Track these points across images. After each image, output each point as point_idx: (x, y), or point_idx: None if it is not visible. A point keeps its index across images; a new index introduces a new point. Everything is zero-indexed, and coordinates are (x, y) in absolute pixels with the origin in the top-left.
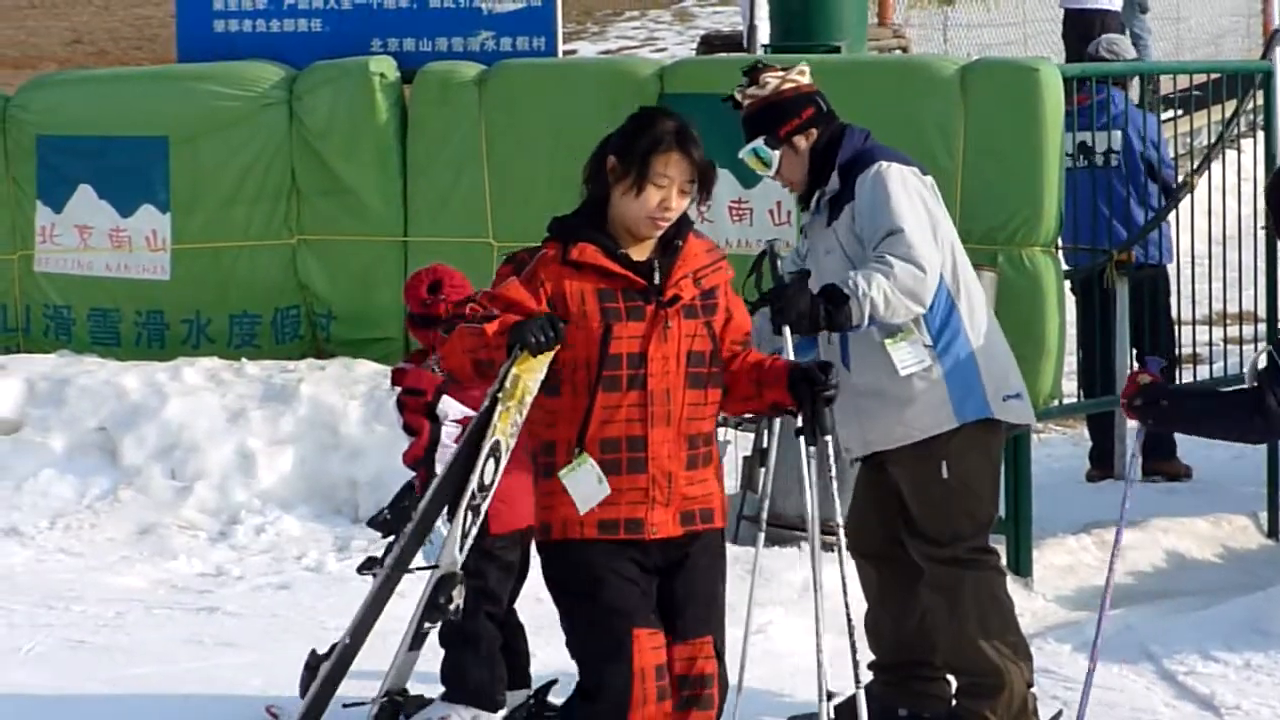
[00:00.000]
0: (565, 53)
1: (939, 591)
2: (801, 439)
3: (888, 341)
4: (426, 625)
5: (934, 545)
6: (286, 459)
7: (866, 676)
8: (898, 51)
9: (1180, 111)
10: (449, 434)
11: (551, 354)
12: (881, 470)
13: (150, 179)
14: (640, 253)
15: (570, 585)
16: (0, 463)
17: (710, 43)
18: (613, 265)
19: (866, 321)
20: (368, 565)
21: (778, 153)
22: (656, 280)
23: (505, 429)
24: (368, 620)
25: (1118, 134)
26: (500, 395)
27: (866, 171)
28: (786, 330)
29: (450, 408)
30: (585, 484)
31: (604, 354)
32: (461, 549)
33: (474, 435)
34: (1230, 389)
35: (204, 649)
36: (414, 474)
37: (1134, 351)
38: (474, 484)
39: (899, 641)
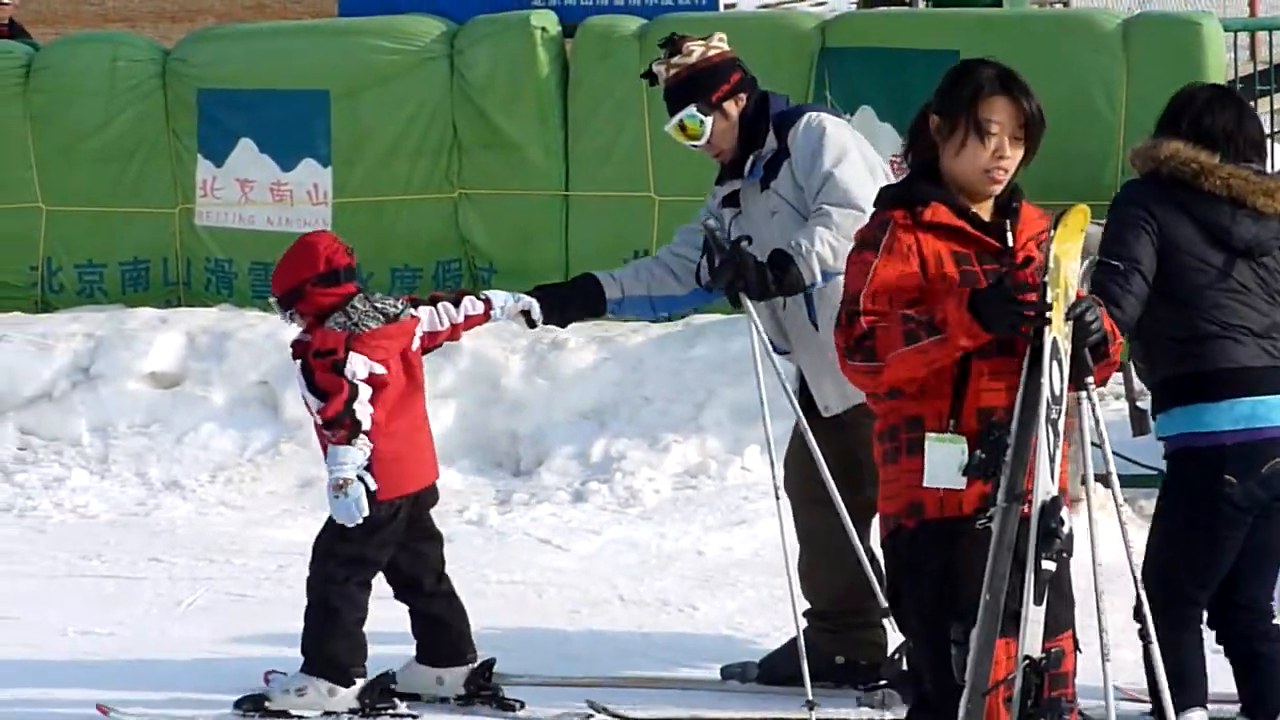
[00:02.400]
0: (726, 6)
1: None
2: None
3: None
4: (1045, 565)
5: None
6: (448, 412)
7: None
8: (1059, 5)
9: None
10: (365, 393)
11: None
12: (837, 427)
13: (311, 133)
14: (984, 214)
15: (927, 567)
16: (161, 416)
17: None
18: (967, 227)
19: (820, 277)
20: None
21: (710, 119)
22: (1009, 242)
23: (1060, 326)
24: (999, 569)
25: None
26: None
27: (798, 124)
28: (744, 299)
29: (357, 365)
30: (948, 463)
31: None
32: (1052, 473)
33: (1035, 342)
34: None
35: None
36: (330, 432)
37: None
38: (1046, 395)
39: (835, 590)
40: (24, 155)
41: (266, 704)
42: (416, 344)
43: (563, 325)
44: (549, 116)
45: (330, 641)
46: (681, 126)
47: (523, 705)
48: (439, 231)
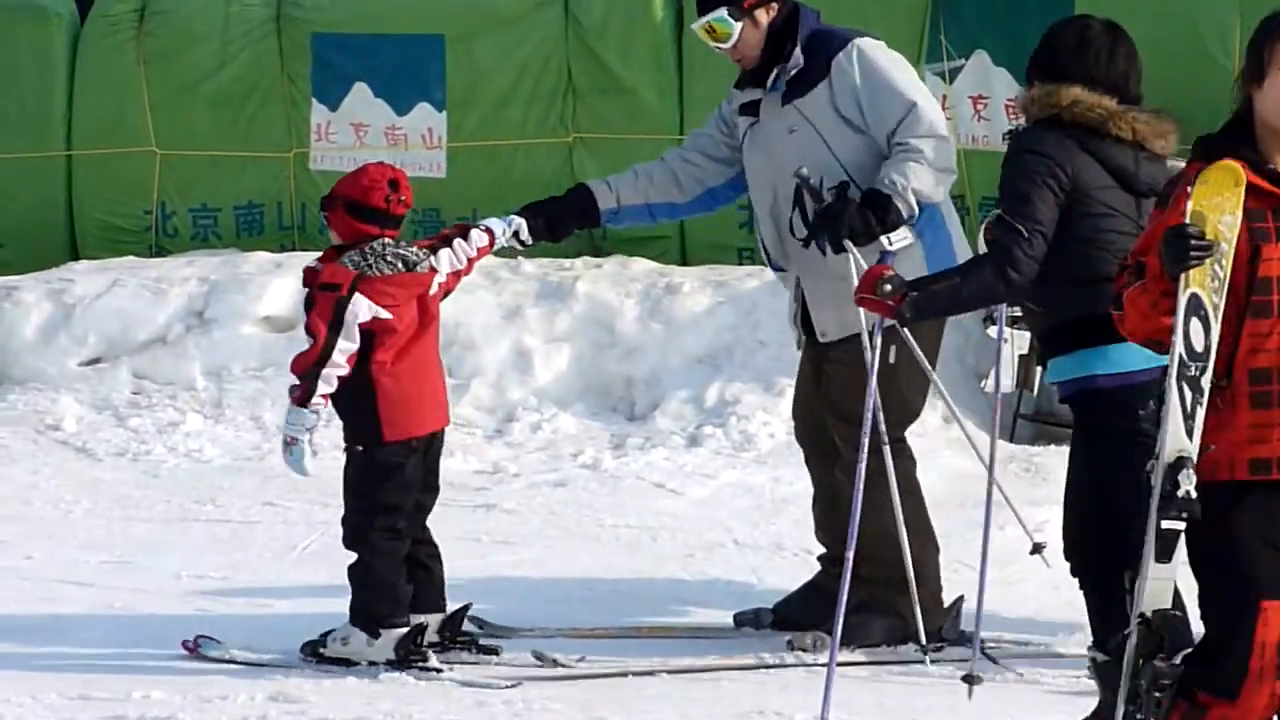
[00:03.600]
0: None
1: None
2: None
3: None
4: (1166, 525)
5: (860, 429)
6: (563, 356)
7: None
8: None
9: None
10: (344, 351)
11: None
12: (824, 360)
13: (426, 77)
14: None
15: (1210, 539)
16: (275, 360)
17: None
18: (1261, 181)
19: (916, 210)
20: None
21: (740, 24)
22: None
23: (1204, 281)
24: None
25: None
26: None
27: (848, 50)
28: (849, 244)
29: (360, 307)
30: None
31: (1252, 278)
32: (1189, 432)
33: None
34: (961, 263)
35: (480, 546)
36: (296, 383)
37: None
38: (1180, 351)
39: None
40: (138, 100)
41: (321, 650)
42: (435, 289)
43: (555, 240)
44: (663, 60)
45: (364, 593)
46: (710, 29)
47: (500, 652)
48: (553, 176)
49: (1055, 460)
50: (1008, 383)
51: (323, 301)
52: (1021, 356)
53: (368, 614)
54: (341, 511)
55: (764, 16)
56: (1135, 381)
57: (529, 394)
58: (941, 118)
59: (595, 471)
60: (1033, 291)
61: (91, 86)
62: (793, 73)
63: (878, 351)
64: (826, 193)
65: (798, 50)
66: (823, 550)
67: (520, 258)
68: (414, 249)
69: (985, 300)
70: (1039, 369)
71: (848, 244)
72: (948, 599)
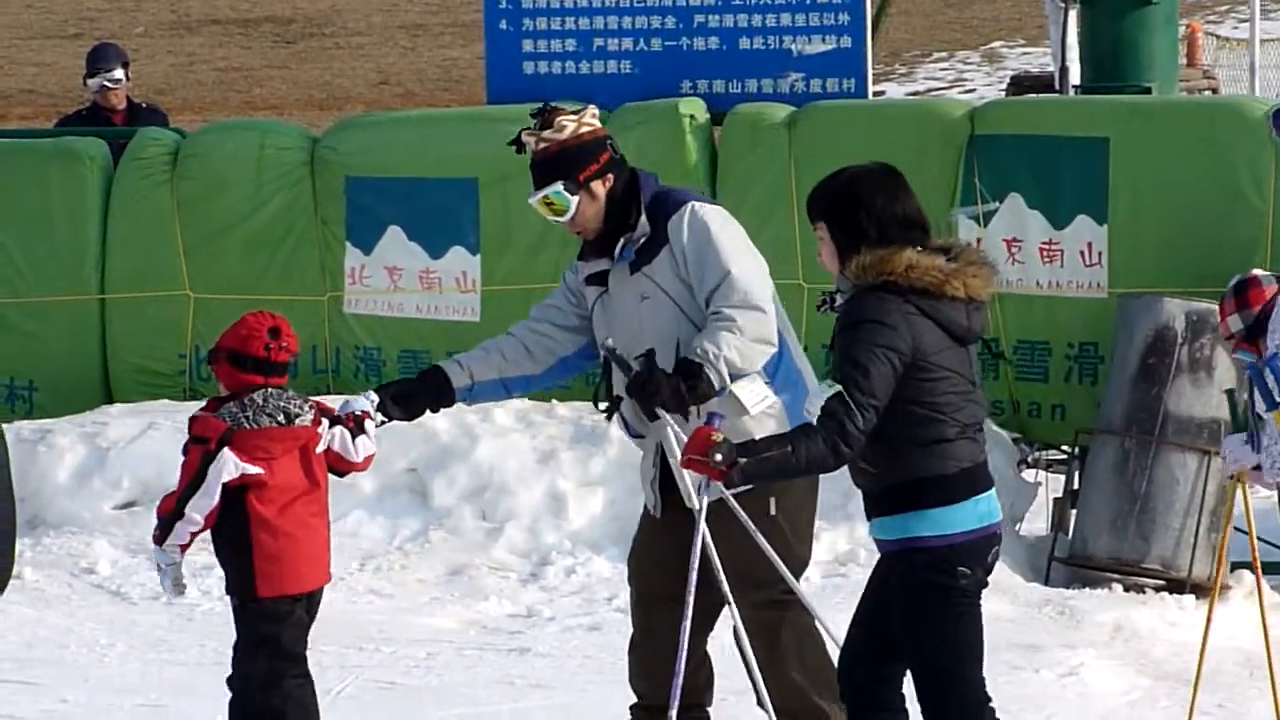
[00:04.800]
0: (874, 94)
1: (758, 636)
2: None
3: (732, 385)
4: None
5: (754, 588)
6: (597, 500)
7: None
8: (1207, 92)
9: None
10: (204, 507)
11: None
12: (692, 523)
13: (460, 221)
14: None
15: None
16: None
17: (1020, 84)
18: None
19: (728, 381)
20: None
21: (576, 198)
22: None
23: None
24: None
25: None
26: None
27: (680, 213)
28: (663, 414)
29: (227, 464)
30: None
31: None
32: None
33: None
34: (790, 430)
35: (515, 690)
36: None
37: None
38: None
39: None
40: (172, 243)
41: None
42: (323, 448)
43: (409, 419)
44: None
45: None
46: (548, 203)
47: None
48: None
49: (1090, 603)
50: (1042, 526)
51: (190, 455)
52: (1056, 500)
53: None
54: (255, 664)
55: (600, 188)
56: (955, 543)
57: (563, 538)
58: (763, 289)
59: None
60: (866, 450)
61: (125, 229)
62: (640, 241)
63: (703, 514)
64: (635, 361)
65: (643, 218)
66: (635, 700)
67: (554, 401)
68: (297, 401)
69: (815, 470)
70: (1072, 512)
71: (661, 413)
72: None
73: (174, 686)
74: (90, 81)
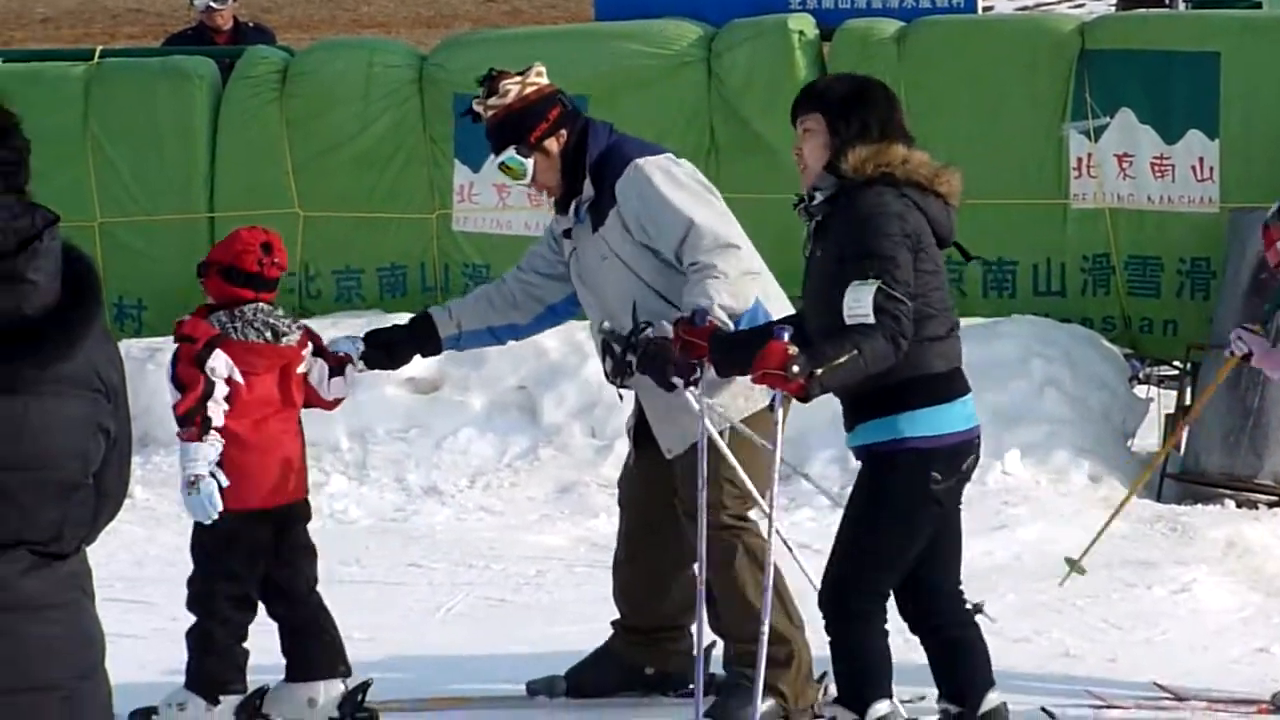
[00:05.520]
0: (983, 9)
1: (714, 563)
2: None
3: None
4: None
5: (710, 511)
6: None
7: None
8: None
9: None
10: (220, 391)
11: None
12: (670, 468)
13: None
14: None
15: None
16: (420, 422)
17: None
18: None
19: (731, 325)
20: None
21: (531, 160)
22: None
23: None
24: None
25: None
26: None
27: (626, 175)
28: (678, 382)
29: (219, 363)
30: None
31: None
32: None
33: None
34: (847, 334)
35: None
36: (181, 429)
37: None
38: None
39: (655, 607)
40: (281, 161)
41: (154, 718)
42: (302, 370)
43: (393, 368)
44: None
45: (205, 659)
46: (505, 168)
47: None
48: None
49: (1202, 520)
50: (1154, 442)
51: (183, 352)
52: (1168, 416)
53: (208, 680)
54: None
55: (554, 145)
56: (941, 445)
57: None
58: (729, 227)
59: None
60: None
61: (234, 148)
62: (587, 202)
63: (781, 426)
64: (635, 339)
65: (587, 180)
66: (617, 616)
67: None
68: (286, 321)
69: (881, 367)
70: (1185, 430)
71: (677, 382)
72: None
73: None
74: (196, 1)
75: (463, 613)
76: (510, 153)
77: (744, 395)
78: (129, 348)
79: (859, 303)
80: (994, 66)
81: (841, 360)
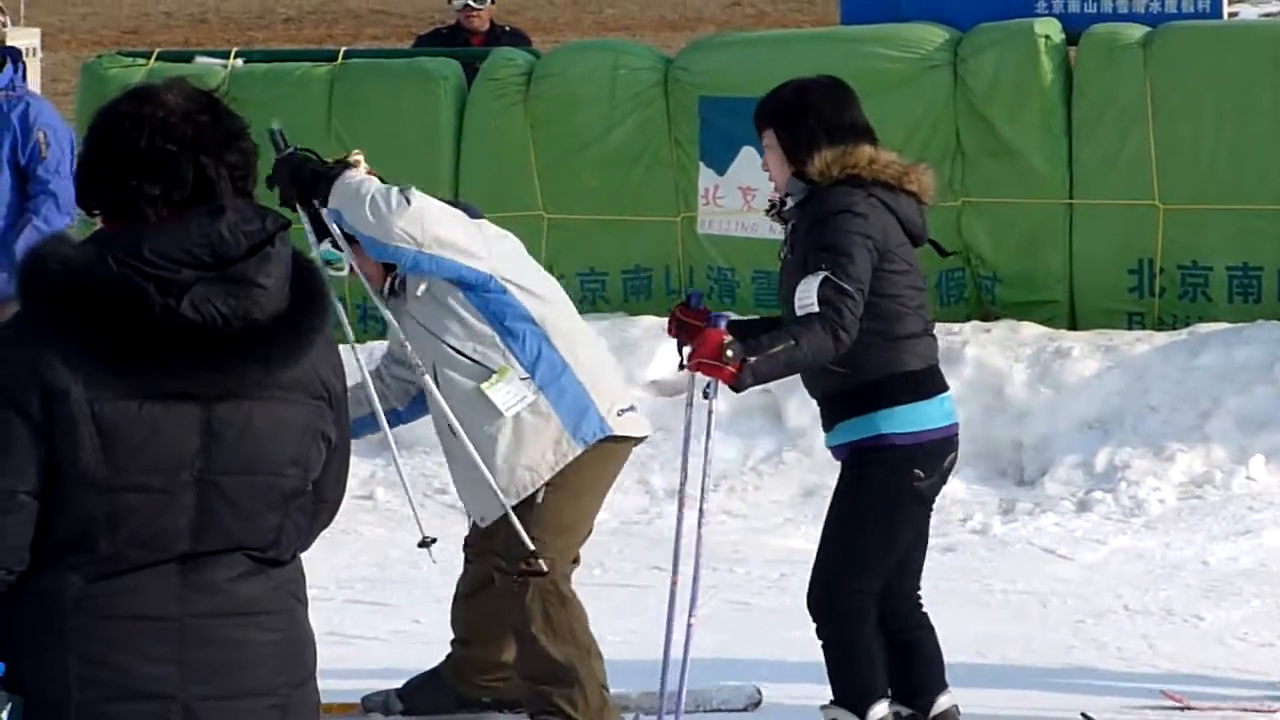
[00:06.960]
0: (1229, 14)
1: (508, 599)
2: None
3: (484, 386)
4: None
5: (501, 559)
6: None
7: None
8: None
9: None
10: None
11: None
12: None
13: None
14: None
15: None
16: (665, 424)
17: None
18: None
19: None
20: None
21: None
22: None
23: None
24: None
25: None
26: None
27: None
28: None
29: None
30: None
31: None
32: None
33: None
34: (788, 325)
35: None
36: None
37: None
38: None
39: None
40: (526, 163)
41: None
42: None
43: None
44: (1053, 124)
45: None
46: (326, 262)
47: None
48: (942, 239)
49: None
50: None
51: None
52: None
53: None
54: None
55: None
56: (921, 441)
57: None
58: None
59: (984, 536)
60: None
61: (479, 150)
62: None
63: (713, 414)
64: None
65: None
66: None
67: None
68: None
69: (819, 362)
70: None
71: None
72: None
73: None
74: (455, 1)
75: (708, 616)
76: (326, 246)
77: (551, 449)
78: (373, 349)
79: (806, 294)
80: (1239, 71)
81: (776, 350)
